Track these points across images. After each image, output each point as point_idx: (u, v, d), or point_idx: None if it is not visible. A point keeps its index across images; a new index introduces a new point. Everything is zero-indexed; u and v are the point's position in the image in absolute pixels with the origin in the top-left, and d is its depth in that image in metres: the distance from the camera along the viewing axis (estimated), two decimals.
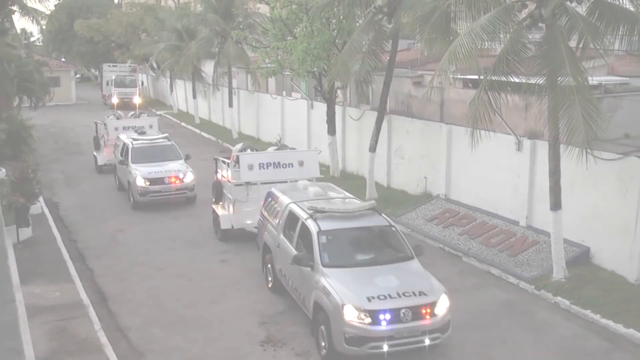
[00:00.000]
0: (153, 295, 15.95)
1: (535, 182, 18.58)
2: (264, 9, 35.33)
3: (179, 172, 24.19)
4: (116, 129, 29.64)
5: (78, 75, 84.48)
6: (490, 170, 20.19)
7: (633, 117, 21.12)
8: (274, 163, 19.02)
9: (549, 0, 14.53)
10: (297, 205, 14.93)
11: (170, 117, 52.14)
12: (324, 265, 12.99)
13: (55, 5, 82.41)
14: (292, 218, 14.87)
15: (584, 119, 13.48)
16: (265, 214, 16.60)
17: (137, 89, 60.51)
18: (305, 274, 13.38)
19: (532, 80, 15.13)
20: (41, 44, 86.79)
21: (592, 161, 14.44)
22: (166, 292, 16.10)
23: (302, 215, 14.35)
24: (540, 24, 15.28)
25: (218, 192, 20.53)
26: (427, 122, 23.63)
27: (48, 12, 49.76)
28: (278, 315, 14.61)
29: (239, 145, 22.13)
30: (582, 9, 15.18)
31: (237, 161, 19.37)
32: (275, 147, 21.21)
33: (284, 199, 15.78)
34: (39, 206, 22.57)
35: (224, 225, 19.63)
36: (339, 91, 27.85)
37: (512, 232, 18.74)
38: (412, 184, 24.06)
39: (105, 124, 30.65)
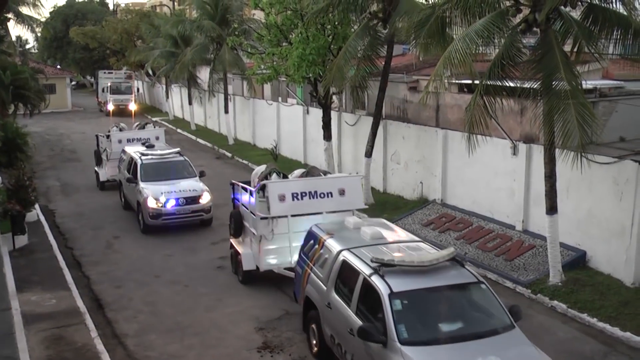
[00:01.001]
0: (149, 302, 15.92)
1: (531, 186, 18.62)
2: (259, 15, 35.40)
3: (195, 191, 21.91)
4: (120, 141, 27.37)
5: (73, 82, 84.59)
6: (486, 174, 20.22)
7: (628, 120, 21.18)
8: (310, 192, 15.75)
9: (543, 4, 14.57)
10: (353, 254, 11.78)
11: (166, 124, 52.04)
12: (402, 342, 9.85)
13: (51, 13, 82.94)
14: (348, 271, 11.67)
15: (579, 123, 13.53)
16: (306, 259, 13.47)
17: (133, 95, 60.51)
18: (374, 351, 10.24)
19: (527, 85, 15.16)
20: (36, 51, 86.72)
21: (588, 165, 14.50)
22: (163, 299, 16.08)
23: (364, 269, 11.14)
24: (534, 29, 15.33)
25: (238, 224, 17.40)
26: (422, 127, 23.66)
27: (43, 20, 49.89)
28: (275, 321, 14.59)
29: (260, 168, 18.17)
30: (576, 14, 15.23)
31: (263, 189, 15.95)
32: (304, 171, 17.66)
33: (333, 244, 12.55)
34: (35, 213, 22.53)
35: (247, 265, 16.43)
36: (334, 97, 27.87)
37: (508, 237, 18.76)
38: (408, 189, 24.07)
39: (107, 137, 28.30)
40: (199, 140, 42.84)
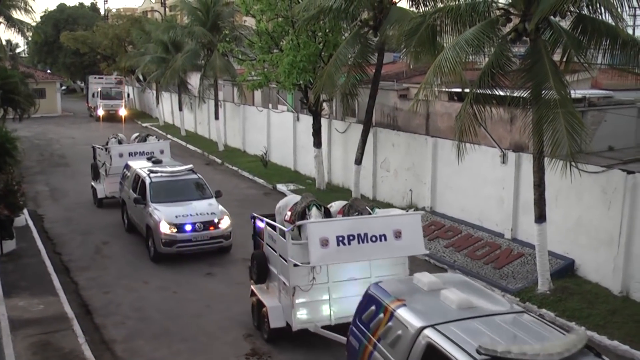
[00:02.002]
0: (138, 307, 15.86)
1: (520, 194, 18.68)
2: (250, 21, 35.45)
3: (213, 215, 19.41)
4: (121, 155, 24.90)
5: (64, 87, 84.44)
6: (476, 182, 20.28)
7: (617, 129, 21.37)
8: (359, 235, 12.43)
9: (532, 14, 14.66)
10: (443, 336, 8.59)
11: (156, 129, 51.95)
12: None
13: (41, 17, 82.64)
14: None
15: (568, 132, 13.61)
16: (366, 330, 10.25)
17: (123, 101, 60.43)
18: None
19: (517, 94, 15.24)
20: (27, 55, 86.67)
21: (577, 174, 14.57)
22: (151, 305, 16.02)
23: None
24: (524, 38, 15.42)
25: (261, 268, 14.36)
26: (412, 135, 23.72)
27: (34, 24, 49.77)
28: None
29: (291, 199, 15.19)
30: (565, 24, 15.33)
31: (300, 230, 13.08)
32: (345, 204, 14.47)
33: (409, 318, 9.30)
34: (24, 218, 22.43)
35: (276, 322, 13.38)
36: (324, 104, 27.93)
37: (497, 245, 18.81)
38: (397, 197, 24.11)
39: (107, 150, 25.85)
40: (189, 146, 42.78)
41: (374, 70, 23.04)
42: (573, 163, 13.90)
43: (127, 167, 23.08)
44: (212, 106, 41.41)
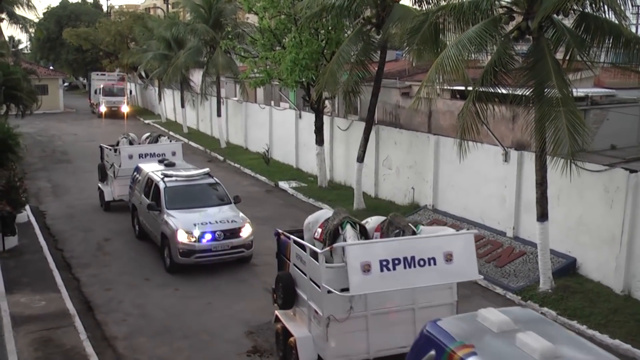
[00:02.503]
0: (139, 304, 15.87)
1: (522, 193, 18.67)
2: (252, 19, 35.43)
3: (235, 222, 18.20)
4: (130, 156, 23.72)
5: (66, 84, 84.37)
6: (478, 181, 20.27)
7: (619, 128, 21.34)
8: (405, 259, 10.65)
9: (535, 12, 14.64)
10: None
11: (159, 126, 52.02)
12: None
13: (44, 14, 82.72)
14: None
15: (569, 130, 13.60)
16: None
17: (126, 97, 60.43)
18: None
19: (519, 92, 15.22)
20: (29, 51, 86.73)
21: (578, 173, 14.56)
22: (153, 302, 16.03)
23: None
24: (527, 36, 15.39)
25: (288, 292, 12.76)
26: (414, 133, 23.71)
27: (37, 20, 49.82)
28: (265, 325, 14.52)
29: (321, 214, 13.46)
30: (568, 22, 15.30)
31: (333, 252, 11.47)
32: (383, 220, 12.65)
33: None
34: (26, 215, 22.45)
35: (306, 354, 11.84)
36: (327, 101, 27.91)
37: (499, 243, 18.80)
38: (399, 195, 24.10)
39: (116, 150, 24.70)
40: (191, 143, 42.77)
41: (376, 68, 23.00)
42: (574, 162, 13.88)
43: (137, 170, 21.87)
44: (215, 103, 41.39)
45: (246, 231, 18.12)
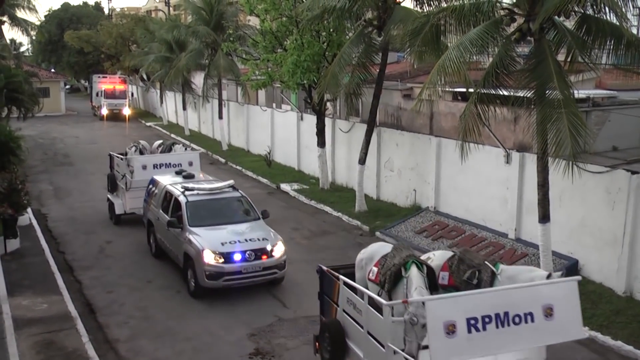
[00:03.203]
0: (141, 307, 15.86)
1: (524, 194, 18.66)
2: (254, 21, 35.45)
3: (266, 241, 16.43)
4: (144, 167, 22.18)
5: (67, 86, 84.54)
6: (479, 182, 20.26)
7: (621, 130, 21.31)
8: (498, 316, 8.51)
9: (537, 14, 14.63)
10: None
11: (160, 129, 52.11)
12: None
13: (45, 16, 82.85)
14: None
15: (571, 132, 13.56)
16: None
17: (127, 100, 60.50)
18: None
19: (521, 94, 15.21)
20: (31, 54, 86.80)
21: (580, 174, 14.54)
22: (154, 304, 16.02)
23: None
24: (528, 38, 15.38)
25: (338, 345, 10.87)
26: (416, 135, 23.70)
27: (38, 23, 49.91)
28: (267, 327, 14.55)
29: (375, 249, 11.53)
30: (570, 24, 15.29)
31: (392, 293, 10.07)
32: (450, 255, 11.22)
33: None
34: (27, 217, 22.46)
35: None
36: (328, 103, 27.92)
37: (501, 245, 18.79)
38: (401, 196, 24.09)
39: (127, 161, 22.77)
40: (192, 145, 42.76)
41: (377, 70, 23.01)
42: (576, 163, 13.87)
43: (153, 182, 20.25)
44: (216, 105, 41.43)
45: (279, 250, 16.42)
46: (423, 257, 11.17)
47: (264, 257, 16.10)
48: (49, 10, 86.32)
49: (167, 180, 19.60)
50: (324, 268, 11.92)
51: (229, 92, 44.62)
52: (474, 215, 20.53)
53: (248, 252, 15.92)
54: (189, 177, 19.99)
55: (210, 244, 16.02)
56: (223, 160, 36.57)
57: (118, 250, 20.37)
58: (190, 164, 22.76)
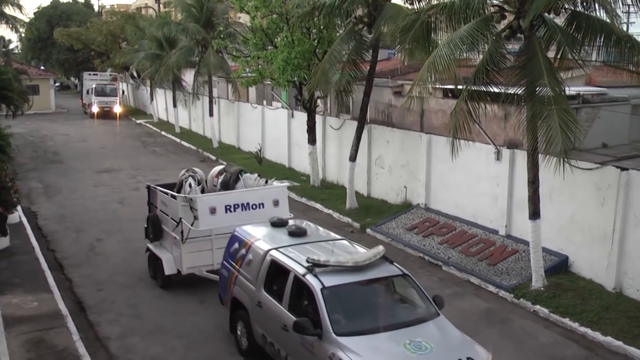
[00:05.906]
0: (132, 305, 15.83)
1: (515, 191, 18.72)
2: (244, 18, 35.38)
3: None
4: (212, 211, 15.06)
5: (57, 84, 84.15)
6: (470, 179, 20.31)
7: (611, 127, 21.40)
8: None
9: (527, 11, 14.67)
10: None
11: (151, 126, 51.99)
12: None
13: (35, 13, 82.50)
14: None
15: (561, 129, 13.61)
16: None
17: (118, 97, 60.32)
18: None
19: (511, 91, 15.25)
20: (20, 51, 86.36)
21: (570, 171, 14.59)
22: (145, 302, 15.99)
23: None
24: (519, 35, 15.42)
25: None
26: (407, 132, 23.73)
27: (27, 20, 49.66)
28: None
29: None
30: (560, 20, 15.34)
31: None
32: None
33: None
34: (17, 215, 22.36)
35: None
36: (319, 101, 27.90)
37: (491, 241, 18.84)
38: (392, 193, 24.12)
39: (190, 202, 15.55)
40: (183, 143, 42.74)
41: (368, 67, 23.01)
42: (567, 160, 13.91)
43: (238, 240, 13.47)
44: (207, 103, 41.34)
45: None
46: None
47: None
48: (39, 7, 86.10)
49: (268, 240, 12.87)
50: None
51: (220, 89, 44.55)
52: (464, 212, 20.58)
53: None
54: (299, 234, 13.07)
55: None
56: (214, 158, 36.50)
57: (108, 248, 20.30)
58: (276, 203, 15.85)
